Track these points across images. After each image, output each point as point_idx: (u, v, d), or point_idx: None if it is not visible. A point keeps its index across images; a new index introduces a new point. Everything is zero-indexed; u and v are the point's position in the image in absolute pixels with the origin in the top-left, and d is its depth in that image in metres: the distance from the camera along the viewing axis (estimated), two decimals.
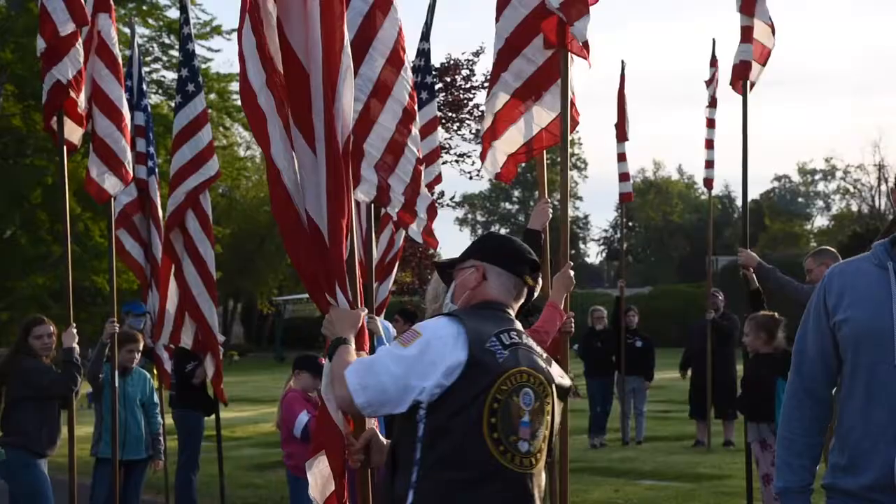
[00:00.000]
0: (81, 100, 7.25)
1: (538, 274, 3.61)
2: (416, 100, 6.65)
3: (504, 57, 6.14)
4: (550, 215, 6.08)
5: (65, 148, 7.28)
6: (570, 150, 6.14)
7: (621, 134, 15.00)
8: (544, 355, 3.44)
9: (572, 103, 6.10)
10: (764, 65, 8.36)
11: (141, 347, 8.31)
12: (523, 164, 7.14)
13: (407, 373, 3.24)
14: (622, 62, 15.25)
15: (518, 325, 3.47)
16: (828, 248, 8.48)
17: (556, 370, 3.44)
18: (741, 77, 8.15)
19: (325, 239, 3.89)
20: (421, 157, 6.49)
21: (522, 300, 3.56)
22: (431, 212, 7.99)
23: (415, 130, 6.61)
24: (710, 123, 14.11)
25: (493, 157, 6.30)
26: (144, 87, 10.83)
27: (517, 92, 6.15)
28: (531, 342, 3.43)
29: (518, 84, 6.13)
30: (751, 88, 8.35)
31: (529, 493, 3.28)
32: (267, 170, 4.10)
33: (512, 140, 6.23)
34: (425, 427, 3.24)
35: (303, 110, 3.90)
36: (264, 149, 4.03)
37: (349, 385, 3.31)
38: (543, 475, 3.38)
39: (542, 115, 6.14)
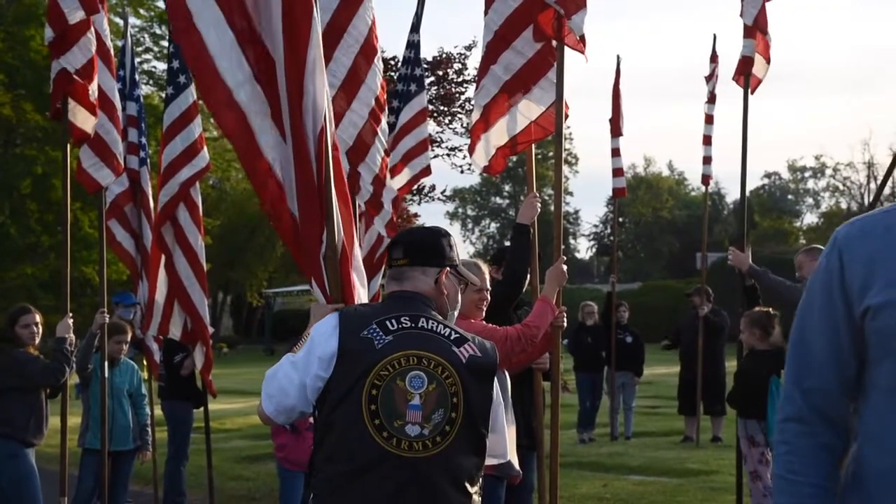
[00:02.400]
0: (93, 88, 7.21)
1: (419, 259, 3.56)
2: (385, 91, 6.67)
3: (493, 49, 6.13)
4: (539, 209, 6.08)
5: (70, 137, 7.21)
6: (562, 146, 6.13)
7: (615, 129, 14.97)
8: (455, 336, 3.36)
9: (560, 96, 6.09)
10: (769, 61, 8.34)
11: (129, 338, 8.29)
12: (514, 158, 7.14)
13: (301, 374, 3.32)
14: (618, 57, 15.23)
15: (428, 312, 3.42)
16: (819, 246, 8.49)
17: (467, 350, 3.33)
18: (744, 72, 8.13)
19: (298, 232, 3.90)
20: (387, 147, 6.50)
21: (458, 289, 3.68)
22: (396, 204, 8.00)
23: (384, 122, 6.62)
24: (709, 119, 14.11)
25: (482, 150, 6.29)
26: (137, 77, 10.79)
27: (507, 84, 6.13)
28: (439, 325, 3.37)
29: (508, 77, 6.11)
30: (756, 86, 8.32)
31: (424, 477, 3.21)
32: (252, 164, 4.00)
33: (501, 133, 6.21)
34: (317, 425, 3.33)
35: (275, 102, 3.90)
36: (243, 145, 3.96)
37: (262, 396, 3.43)
38: (467, 458, 3.28)
39: (531, 107, 6.12)
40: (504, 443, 3.55)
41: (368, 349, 3.26)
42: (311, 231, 3.86)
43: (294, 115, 3.83)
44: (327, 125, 3.90)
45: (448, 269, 3.56)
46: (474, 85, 6.89)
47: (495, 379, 3.41)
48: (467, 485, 3.27)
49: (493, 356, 3.42)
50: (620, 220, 71.72)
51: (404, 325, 3.32)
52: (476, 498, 3.31)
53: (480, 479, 3.36)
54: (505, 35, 6.08)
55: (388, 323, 3.32)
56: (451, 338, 3.35)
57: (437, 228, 3.70)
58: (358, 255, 3.93)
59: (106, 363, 7.62)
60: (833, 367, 2.36)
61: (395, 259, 3.55)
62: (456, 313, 3.76)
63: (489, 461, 3.47)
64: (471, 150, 6.43)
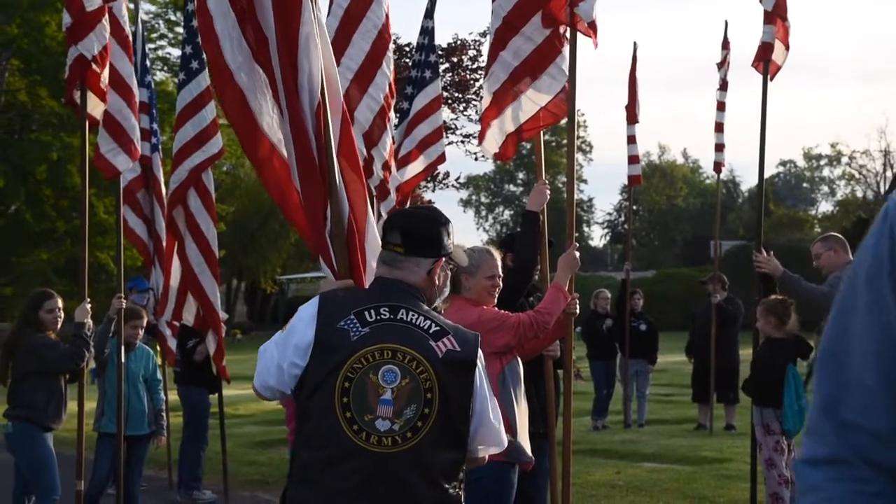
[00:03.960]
0: (105, 75, 7.22)
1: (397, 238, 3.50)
2: (396, 77, 6.67)
3: (502, 36, 6.10)
4: (548, 196, 6.07)
5: (87, 123, 7.21)
6: (576, 133, 6.12)
7: (632, 116, 14.88)
8: (434, 330, 3.28)
9: (570, 83, 6.07)
10: (788, 48, 8.29)
11: (144, 324, 8.33)
12: (527, 146, 7.14)
13: (280, 355, 3.32)
14: (634, 44, 15.15)
15: (412, 303, 3.35)
16: (837, 234, 8.47)
17: (445, 345, 3.25)
18: (764, 58, 8.08)
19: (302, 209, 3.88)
20: (402, 134, 6.50)
21: (422, 270, 3.45)
22: (403, 191, 8.01)
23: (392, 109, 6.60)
24: (721, 107, 14.02)
25: (492, 137, 6.27)
26: (148, 63, 10.81)
27: (516, 71, 6.10)
28: (419, 318, 3.30)
29: (517, 63, 6.09)
30: (776, 73, 8.27)
31: (392, 472, 3.15)
32: (253, 145, 3.98)
33: (511, 119, 6.20)
34: (297, 411, 3.33)
35: (272, 81, 3.89)
36: (242, 126, 3.95)
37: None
38: (441, 453, 3.21)
39: (540, 94, 6.10)
40: (497, 432, 3.40)
41: (344, 341, 3.22)
42: (316, 208, 3.82)
43: (289, 93, 3.79)
44: (325, 100, 3.83)
45: (443, 259, 3.49)
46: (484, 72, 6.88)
47: (477, 372, 3.31)
48: (442, 480, 3.20)
49: (473, 349, 3.31)
50: (634, 208, 71.62)
51: (383, 316, 3.26)
52: (454, 492, 3.24)
53: (461, 474, 3.29)
54: (513, 21, 6.05)
55: (366, 314, 3.26)
56: (430, 331, 3.27)
57: (436, 215, 3.59)
58: (373, 227, 3.83)
59: (122, 348, 7.66)
60: (884, 392, 1.61)
61: (390, 243, 3.48)
62: (442, 301, 3.69)
63: (489, 451, 3.43)
64: (481, 137, 6.40)
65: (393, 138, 6.64)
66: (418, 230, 3.49)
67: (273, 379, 3.34)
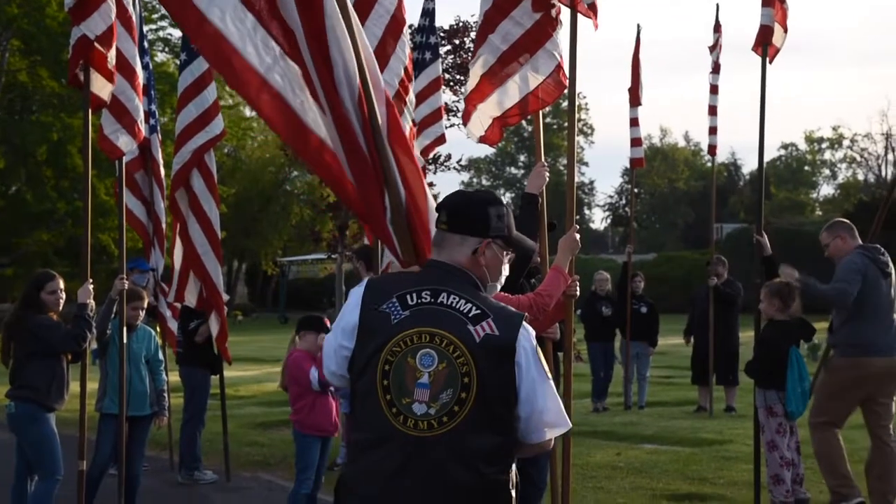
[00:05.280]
0: (111, 56, 7.19)
1: (441, 216, 3.47)
2: (412, 61, 6.63)
3: (491, 19, 6.04)
4: (547, 179, 6.06)
5: (90, 103, 7.19)
6: (576, 115, 6.10)
7: (634, 99, 14.86)
8: (474, 314, 3.23)
9: (560, 67, 6.05)
10: (786, 30, 8.28)
11: (145, 305, 8.34)
12: (529, 128, 7.12)
13: (334, 338, 3.38)
14: (638, 26, 15.13)
15: (456, 285, 3.30)
16: (842, 219, 8.47)
17: (483, 329, 3.20)
18: (763, 41, 8.07)
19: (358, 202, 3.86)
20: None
21: (463, 247, 3.37)
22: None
23: (412, 93, 6.56)
24: (714, 90, 14.07)
25: (477, 120, 6.22)
26: (146, 44, 10.78)
27: (504, 55, 6.06)
28: (460, 301, 3.26)
29: (505, 47, 6.03)
30: (774, 55, 8.26)
31: (427, 457, 3.14)
32: (302, 145, 3.86)
33: (498, 103, 6.14)
34: (350, 394, 3.36)
35: (307, 76, 3.82)
36: (285, 127, 3.81)
37: None
38: (481, 438, 3.15)
39: (529, 78, 6.05)
40: (556, 414, 3.27)
41: (384, 324, 3.23)
42: (373, 198, 3.81)
43: (327, 89, 3.75)
44: (366, 88, 3.78)
45: (491, 240, 3.39)
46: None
47: (520, 356, 3.21)
48: (482, 465, 3.16)
49: (512, 333, 3.22)
50: (636, 190, 71.62)
51: (424, 300, 3.26)
52: (497, 477, 3.19)
53: (508, 458, 3.24)
54: (503, 5, 6.01)
55: (408, 297, 3.27)
56: (470, 314, 3.23)
57: (484, 195, 3.52)
58: (432, 205, 3.79)
59: (124, 329, 7.67)
60: None
61: (439, 221, 3.46)
62: (499, 285, 3.53)
63: (554, 434, 3.33)
64: (465, 119, 6.34)
65: (413, 121, 6.60)
66: (462, 207, 3.44)
67: (333, 363, 3.38)
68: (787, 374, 7.37)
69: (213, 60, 3.89)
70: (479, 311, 3.24)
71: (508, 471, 3.24)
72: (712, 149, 14.63)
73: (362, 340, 3.26)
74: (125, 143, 7.69)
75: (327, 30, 3.72)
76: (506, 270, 3.52)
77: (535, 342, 3.28)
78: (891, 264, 7.84)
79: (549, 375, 3.29)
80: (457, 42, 19.02)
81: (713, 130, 14.25)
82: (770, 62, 8.26)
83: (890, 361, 7.65)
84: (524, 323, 3.27)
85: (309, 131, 3.81)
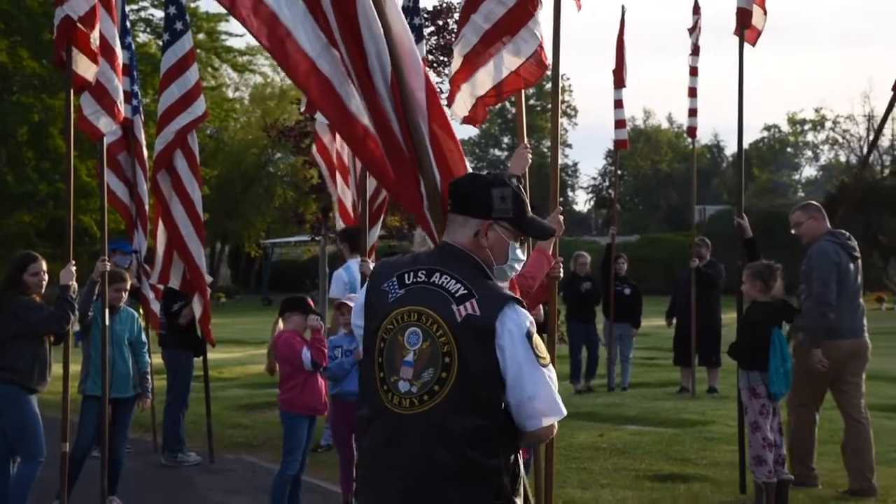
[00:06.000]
0: (94, 36, 7.13)
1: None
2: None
3: None
4: (530, 160, 6.04)
5: (73, 84, 7.14)
6: (560, 97, 6.09)
7: (619, 80, 14.83)
8: (461, 293, 3.20)
9: (542, 47, 6.03)
10: (766, 12, 8.31)
11: (128, 286, 8.30)
12: (513, 109, 7.10)
13: (353, 318, 3.55)
14: (622, 7, 15.09)
15: (455, 265, 3.29)
16: (814, 202, 8.60)
17: (466, 309, 3.17)
18: (741, 24, 8.09)
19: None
20: None
21: (468, 229, 3.35)
22: None
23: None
24: (694, 71, 14.06)
25: (461, 100, 6.20)
26: (128, 24, 10.70)
27: (487, 34, 6.03)
28: (450, 281, 3.24)
29: (488, 26, 5.99)
30: (756, 38, 8.29)
31: (409, 435, 3.16)
32: (348, 131, 4.03)
33: (482, 83, 6.11)
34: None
35: (346, 67, 3.93)
36: (332, 113, 3.97)
37: None
38: (462, 419, 3.12)
39: (512, 58, 6.02)
40: (549, 401, 3.19)
41: (382, 303, 3.29)
42: (410, 185, 3.89)
43: (363, 79, 3.81)
44: (402, 74, 3.82)
45: (493, 222, 3.35)
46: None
47: (502, 339, 3.15)
48: (464, 447, 3.12)
49: (492, 314, 3.16)
50: (619, 172, 71.65)
51: (419, 279, 3.28)
52: (484, 461, 3.14)
53: (495, 443, 3.17)
54: None
55: (406, 276, 3.30)
56: (456, 294, 3.21)
57: (491, 177, 3.45)
58: None
59: (106, 311, 7.64)
60: None
61: (448, 203, 3.50)
62: (514, 267, 3.47)
63: (550, 421, 3.23)
64: (450, 100, 6.32)
65: None
66: (466, 188, 3.44)
67: (360, 343, 3.50)
68: (770, 356, 7.41)
69: (266, 41, 3.92)
70: (465, 292, 3.22)
71: (498, 456, 3.18)
72: (692, 131, 14.67)
73: (367, 319, 3.36)
74: (105, 124, 7.65)
75: (359, 17, 3.79)
76: (519, 254, 3.46)
77: (528, 327, 3.20)
78: (857, 249, 8.01)
79: (545, 362, 3.21)
80: (440, 23, 18.91)
81: (693, 112, 14.28)
82: (753, 45, 8.29)
83: (857, 343, 7.98)
84: (514, 306, 3.22)
85: (355, 119, 3.93)
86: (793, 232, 8.23)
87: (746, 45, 8.25)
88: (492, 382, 3.16)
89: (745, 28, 8.16)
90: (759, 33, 8.31)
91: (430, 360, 3.17)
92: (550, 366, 3.25)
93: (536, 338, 3.21)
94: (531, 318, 3.26)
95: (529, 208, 3.47)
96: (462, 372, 3.14)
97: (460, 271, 3.28)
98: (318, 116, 9.68)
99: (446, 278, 3.26)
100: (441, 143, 3.88)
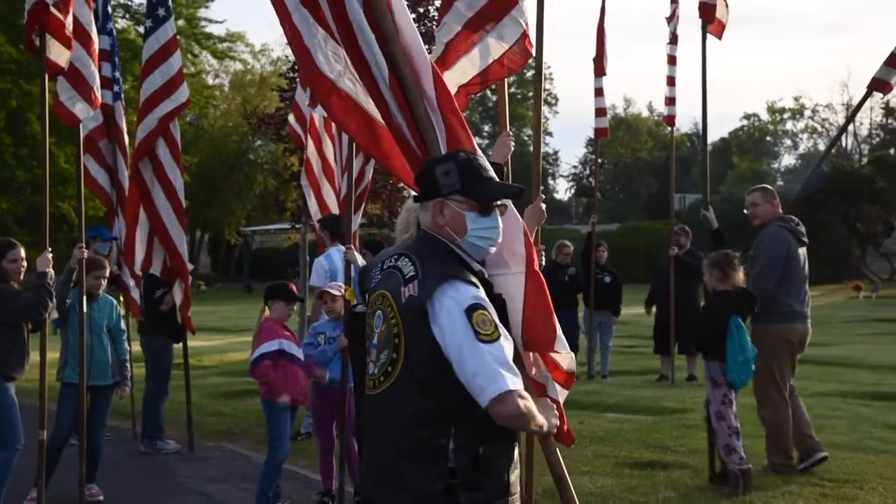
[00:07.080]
0: (69, 22, 7.07)
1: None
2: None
3: None
4: (512, 148, 6.04)
5: (47, 70, 7.08)
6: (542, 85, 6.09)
7: (599, 69, 14.85)
8: (409, 275, 3.20)
9: (525, 35, 6.02)
10: (727, 4, 8.42)
11: (107, 274, 8.25)
12: (494, 97, 7.09)
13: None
14: None
15: (422, 248, 3.31)
16: (769, 186, 8.84)
17: (409, 290, 3.17)
18: (704, 17, 8.20)
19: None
20: None
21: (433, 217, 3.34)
22: None
23: None
24: (672, 60, 14.10)
25: None
26: (109, 10, 10.63)
27: (469, 22, 6.01)
28: (408, 263, 3.25)
29: (471, 14, 5.98)
30: (722, 31, 8.39)
31: (373, 415, 3.31)
32: (377, 142, 4.13)
33: (463, 71, 6.10)
34: None
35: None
36: (360, 128, 4.11)
37: None
38: (411, 400, 3.14)
39: (495, 46, 6.01)
40: (482, 376, 3.06)
41: (370, 288, 3.44)
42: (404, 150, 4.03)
43: (371, 89, 3.95)
44: (399, 72, 3.89)
45: (443, 199, 3.32)
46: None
47: (438, 317, 3.12)
48: (416, 427, 3.15)
49: (427, 293, 3.14)
50: (600, 161, 71.78)
51: (390, 263, 3.34)
52: (437, 441, 3.13)
53: (445, 424, 3.15)
54: None
55: (385, 262, 3.38)
56: (407, 276, 3.22)
57: (436, 158, 3.55)
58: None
59: (84, 298, 7.59)
60: None
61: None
62: (492, 242, 3.39)
63: (499, 399, 3.05)
64: None
65: None
66: (418, 175, 3.48)
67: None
68: (727, 344, 7.44)
69: (294, 50, 4.15)
70: (413, 273, 3.22)
71: (449, 436, 3.14)
72: (670, 119, 14.72)
73: (367, 305, 3.48)
74: (81, 110, 7.59)
75: (353, 27, 3.90)
76: (485, 222, 3.34)
77: (469, 303, 3.12)
78: (805, 234, 8.30)
79: (488, 338, 3.08)
80: (421, 10, 18.90)
81: (671, 101, 14.32)
82: (719, 38, 8.44)
83: (805, 328, 8.24)
84: (455, 283, 3.15)
85: (381, 126, 4.05)
86: (745, 212, 8.40)
87: (718, 38, 8.41)
88: (434, 362, 3.14)
89: (709, 23, 8.27)
90: (723, 26, 8.42)
91: (386, 342, 3.25)
92: (499, 341, 3.10)
93: (480, 313, 3.11)
94: (478, 294, 3.18)
95: (486, 174, 3.40)
96: (407, 353, 3.19)
97: (419, 253, 3.30)
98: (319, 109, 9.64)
99: (405, 261, 3.29)
100: (457, 132, 3.94)
